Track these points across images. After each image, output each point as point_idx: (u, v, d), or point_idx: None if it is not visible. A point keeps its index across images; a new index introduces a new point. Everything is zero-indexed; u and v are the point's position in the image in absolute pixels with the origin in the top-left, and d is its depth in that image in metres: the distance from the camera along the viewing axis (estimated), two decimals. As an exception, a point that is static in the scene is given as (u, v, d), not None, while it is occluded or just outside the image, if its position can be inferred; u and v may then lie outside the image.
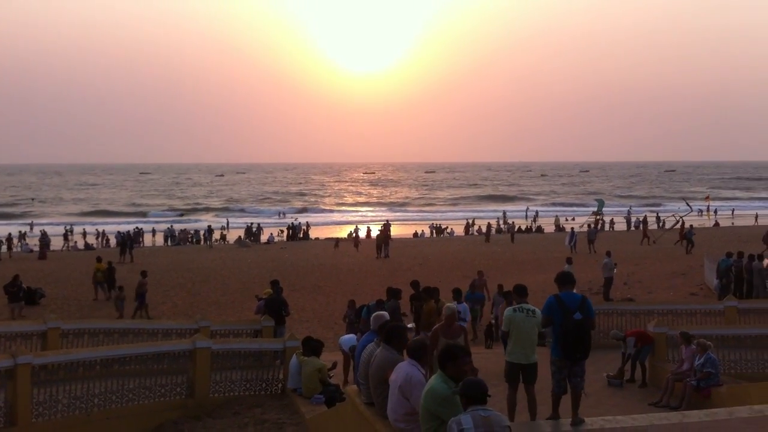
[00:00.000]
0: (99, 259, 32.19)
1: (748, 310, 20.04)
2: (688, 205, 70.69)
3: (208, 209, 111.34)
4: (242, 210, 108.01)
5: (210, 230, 64.42)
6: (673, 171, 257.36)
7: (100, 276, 30.94)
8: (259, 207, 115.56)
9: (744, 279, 25.79)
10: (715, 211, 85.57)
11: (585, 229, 54.90)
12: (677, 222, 50.41)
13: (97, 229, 67.95)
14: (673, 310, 20.22)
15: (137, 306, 27.50)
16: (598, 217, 71.95)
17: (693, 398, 13.37)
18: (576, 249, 43.72)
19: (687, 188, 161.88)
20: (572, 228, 54.01)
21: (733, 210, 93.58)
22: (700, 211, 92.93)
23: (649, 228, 57.75)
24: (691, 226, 48.70)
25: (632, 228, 69.76)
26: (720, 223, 74.19)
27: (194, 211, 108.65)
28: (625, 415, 10.29)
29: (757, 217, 78.67)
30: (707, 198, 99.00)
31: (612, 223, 74.31)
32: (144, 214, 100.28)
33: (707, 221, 77.91)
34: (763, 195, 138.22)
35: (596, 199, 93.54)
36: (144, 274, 28.51)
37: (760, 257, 26.00)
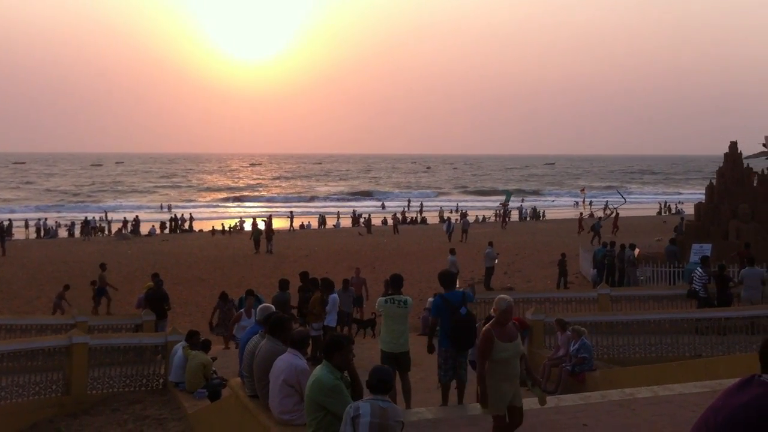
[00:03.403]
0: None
1: (620, 298, 21.05)
2: (620, 195, 72.81)
3: (85, 200, 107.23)
4: (119, 202, 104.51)
5: (86, 222, 62.11)
6: (553, 164, 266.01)
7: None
8: (140, 198, 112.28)
9: (616, 267, 27.01)
10: (590, 203, 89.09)
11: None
12: (612, 213, 52.25)
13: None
14: (550, 298, 21.03)
15: (97, 301, 26.50)
16: (506, 208, 73.76)
17: (568, 383, 13.92)
18: (451, 238, 46.29)
19: (568, 180, 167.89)
20: (449, 218, 58.38)
21: (606, 202, 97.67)
22: (576, 203, 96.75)
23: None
24: (600, 218, 50.22)
25: (527, 219, 72.23)
26: (595, 214, 77.35)
27: (70, 202, 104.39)
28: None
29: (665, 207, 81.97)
30: (583, 190, 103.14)
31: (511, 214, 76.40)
32: (14, 206, 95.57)
33: (583, 211, 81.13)
34: (644, 188, 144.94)
35: (504, 190, 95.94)
36: (103, 267, 27.44)
37: (632, 246, 27.27)
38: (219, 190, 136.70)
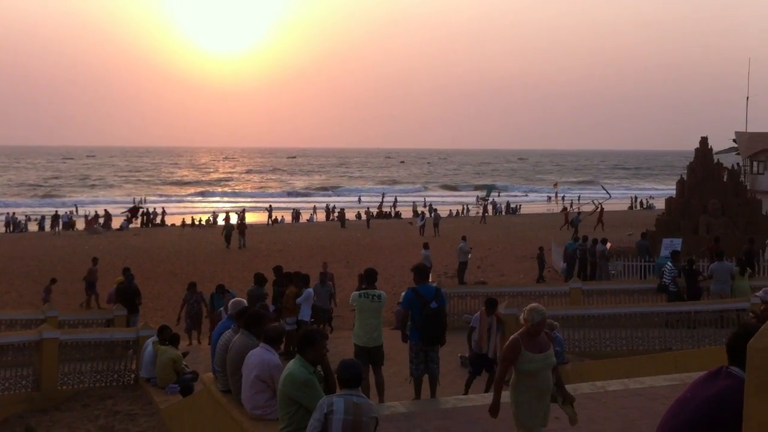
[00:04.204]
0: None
1: (591, 292, 21.23)
2: (605, 190, 73.21)
3: (56, 194, 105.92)
4: (88, 196, 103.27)
5: (57, 216, 61.36)
6: (526, 159, 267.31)
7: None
8: (109, 192, 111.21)
9: (588, 261, 27.23)
10: (563, 197, 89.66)
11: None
12: (596, 208, 52.48)
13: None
14: (522, 291, 21.13)
15: (90, 295, 26.11)
16: (486, 202, 74.00)
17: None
18: (423, 232, 46.62)
19: (536, 176, 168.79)
20: (422, 212, 58.91)
21: (579, 196, 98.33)
22: (549, 197, 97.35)
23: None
24: (579, 212, 50.42)
25: (502, 213, 72.58)
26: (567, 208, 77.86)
27: (39, 195, 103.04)
28: (476, 394, 10.69)
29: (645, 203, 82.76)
30: (555, 184, 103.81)
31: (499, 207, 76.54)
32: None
33: (555, 207, 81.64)
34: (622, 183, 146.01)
35: (486, 185, 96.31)
36: (95, 261, 27.05)
37: (604, 241, 27.49)
38: (191, 184, 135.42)
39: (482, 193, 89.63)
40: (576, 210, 52.00)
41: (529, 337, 7.01)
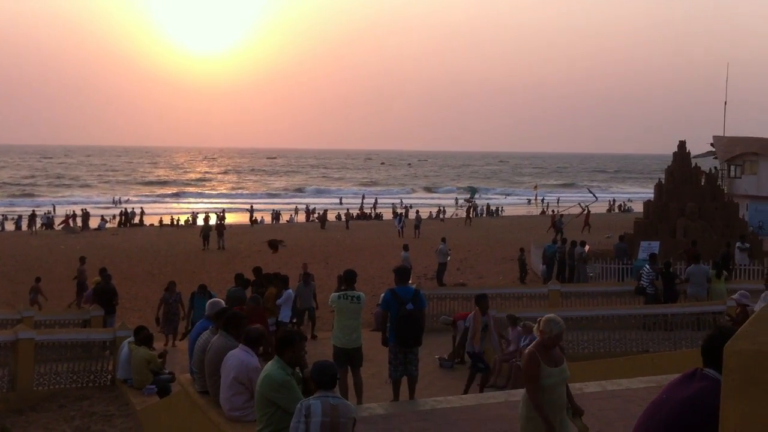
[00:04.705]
0: None
1: (570, 294, 21.34)
2: (592, 193, 73.55)
3: (32, 193, 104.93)
4: (71, 195, 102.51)
5: (33, 215, 60.79)
6: (506, 162, 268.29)
7: None
8: (87, 192, 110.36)
9: (567, 264, 27.37)
10: (543, 200, 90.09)
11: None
12: (583, 210, 52.68)
13: None
14: (501, 293, 21.19)
15: (78, 295, 25.80)
16: (471, 204, 74.15)
17: (519, 378, 14.05)
18: (403, 234, 46.65)
19: (516, 179, 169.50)
20: (400, 214, 59.07)
21: (558, 199, 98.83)
22: (529, 200, 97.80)
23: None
24: (562, 215, 50.65)
25: (483, 215, 72.81)
26: (546, 211, 78.25)
27: (15, 195, 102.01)
28: (454, 396, 10.71)
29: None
30: (535, 187, 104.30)
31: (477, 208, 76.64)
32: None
33: (535, 209, 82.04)
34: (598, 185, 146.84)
35: (469, 186, 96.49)
36: (83, 260, 26.72)
37: (582, 243, 27.64)
38: (167, 183, 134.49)
39: (466, 195, 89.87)
40: (559, 213, 52.20)
41: (545, 350, 6.65)
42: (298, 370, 6.89)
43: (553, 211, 65.85)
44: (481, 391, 12.54)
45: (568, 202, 75.69)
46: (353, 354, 10.58)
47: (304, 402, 6.02)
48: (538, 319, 6.77)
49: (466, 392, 12.50)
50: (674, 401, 3.81)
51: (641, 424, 4.09)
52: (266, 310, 16.00)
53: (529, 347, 6.75)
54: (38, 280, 25.70)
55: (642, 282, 20.07)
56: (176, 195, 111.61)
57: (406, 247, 29.89)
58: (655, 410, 3.97)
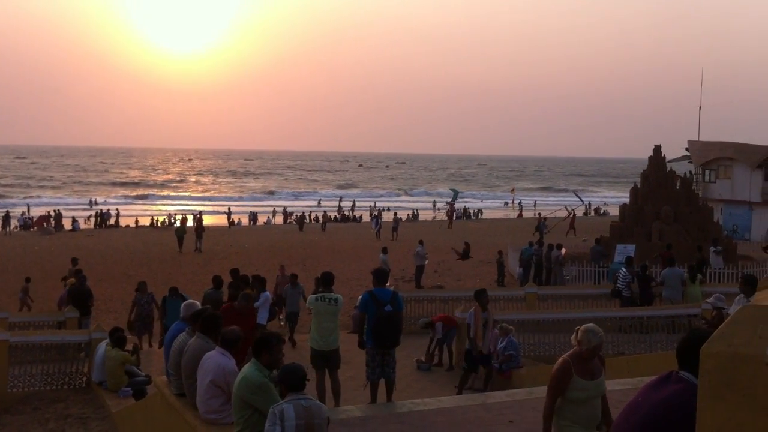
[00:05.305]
0: None
1: (546, 296, 21.43)
2: (579, 197, 73.81)
3: (4, 194, 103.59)
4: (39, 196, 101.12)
5: (7, 216, 60.09)
6: (484, 165, 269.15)
7: None
8: (58, 192, 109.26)
9: (543, 266, 27.50)
10: (520, 203, 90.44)
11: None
12: (569, 214, 52.86)
13: None
14: (479, 296, 21.19)
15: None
16: (453, 206, 74.10)
17: (496, 380, 14.10)
18: (380, 236, 46.82)
19: (494, 182, 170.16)
20: (376, 215, 58.91)
21: (535, 202, 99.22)
22: (506, 202, 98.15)
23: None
24: (545, 219, 50.89)
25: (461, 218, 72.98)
26: (524, 214, 78.64)
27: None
28: (432, 398, 10.72)
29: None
30: (513, 190, 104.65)
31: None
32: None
33: (512, 212, 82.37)
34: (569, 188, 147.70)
35: (452, 189, 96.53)
36: (74, 261, 26.29)
37: (559, 246, 27.78)
38: (139, 185, 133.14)
39: (447, 198, 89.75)
40: (543, 216, 52.51)
41: (582, 362, 6.16)
42: (275, 372, 6.87)
43: (539, 214, 66.18)
44: (485, 386, 12.61)
45: (547, 205, 76.03)
46: (331, 356, 10.57)
47: (276, 407, 6.01)
48: (576, 329, 6.34)
49: (459, 393, 12.54)
50: (650, 403, 3.85)
51: (617, 425, 4.13)
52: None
53: (564, 356, 6.35)
54: (28, 280, 25.40)
55: (618, 285, 20.21)
56: (144, 197, 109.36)
57: (384, 250, 29.89)
58: (631, 412, 4.01)
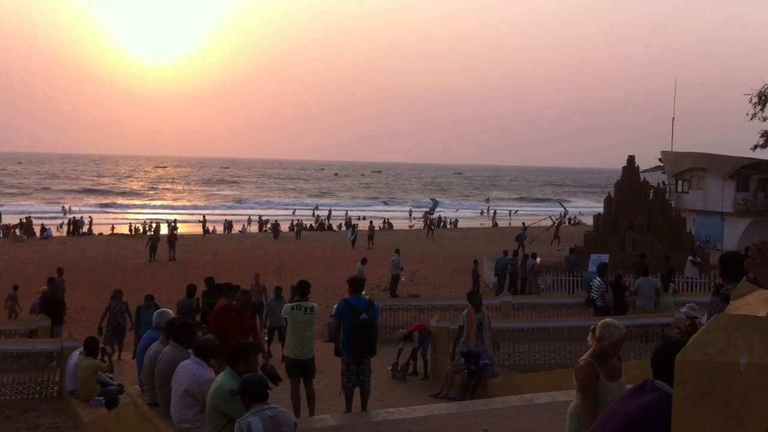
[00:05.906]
0: None
1: (521, 305, 21.53)
2: (563, 206, 74.21)
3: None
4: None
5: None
6: (460, 174, 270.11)
7: None
8: (29, 199, 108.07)
9: (518, 276, 27.63)
10: (494, 212, 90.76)
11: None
12: (554, 223, 53.03)
13: None
14: (454, 305, 21.24)
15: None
16: (431, 215, 74.23)
17: (472, 389, 14.10)
18: (355, 245, 46.69)
19: (470, 191, 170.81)
20: (353, 225, 58.97)
21: (510, 212, 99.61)
22: (481, 211, 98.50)
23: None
24: (526, 227, 51.12)
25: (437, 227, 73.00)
26: (498, 223, 78.97)
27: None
28: (407, 407, 10.71)
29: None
30: (488, 199, 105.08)
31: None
32: None
33: (487, 221, 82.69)
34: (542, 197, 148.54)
35: (431, 198, 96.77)
36: (60, 271, 25.77)
37: (534, 255, 27.94)
38: (110, 193, 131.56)
39: (426, 207, 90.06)
40: (525, 225, 52.83)
41: (603, 360, 5.88)
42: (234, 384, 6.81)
43: (523, 223, 66.46)
44: (465, 387, 12.61)
45: (530, 214, 76.31)
46: (306, 365, 10.53)
47: (242, 420, 5.92)
48: (593, 327, 6.10)
49: (464, 398, 12.53)
50: (625, 412, 3.87)
51: (593, 434, 4.14)
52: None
53: (584, 357, 6.04)
54: (16, 288, 25.03)
55: (592, 294, 20.33)
56: (109, 205, 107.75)
57: (363, 261, 29.81)
58: (606, 421, 4.03)
